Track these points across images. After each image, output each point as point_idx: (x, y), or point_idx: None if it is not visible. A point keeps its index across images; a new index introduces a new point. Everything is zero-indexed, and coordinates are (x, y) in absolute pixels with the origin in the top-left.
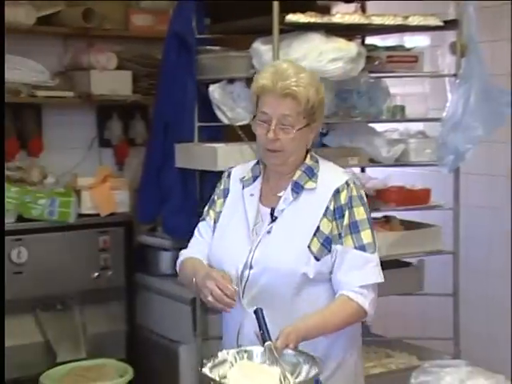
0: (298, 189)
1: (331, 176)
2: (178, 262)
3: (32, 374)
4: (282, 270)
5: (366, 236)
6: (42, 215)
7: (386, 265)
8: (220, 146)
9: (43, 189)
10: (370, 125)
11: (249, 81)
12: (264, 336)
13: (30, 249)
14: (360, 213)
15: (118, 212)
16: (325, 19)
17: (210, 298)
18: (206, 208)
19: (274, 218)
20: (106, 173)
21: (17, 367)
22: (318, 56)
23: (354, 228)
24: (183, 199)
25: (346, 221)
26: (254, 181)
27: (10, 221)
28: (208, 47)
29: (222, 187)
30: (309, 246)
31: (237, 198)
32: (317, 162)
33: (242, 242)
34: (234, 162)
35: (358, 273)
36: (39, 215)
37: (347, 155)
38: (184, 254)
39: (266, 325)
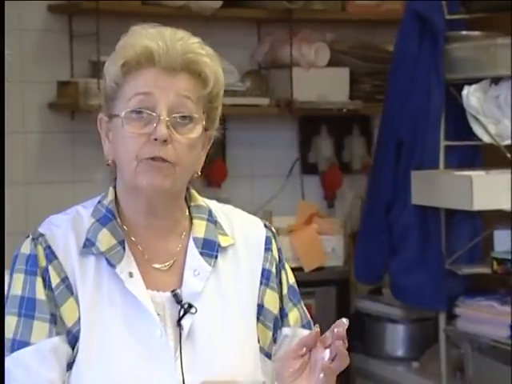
0: (212, 250)
1: (240, 221)
2: None
3: None
4: None
5: (304, 306)
6: None
7: None
8: (477, 175)
9: None
10: None
11: None
12: None
13: None
14: (290, 272)
15: (327, 266)
16: None
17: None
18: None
19: (186, 309)
20: (312, 210)
21: None
22: None
23: (294, 295)
24: (421, 250)
25: (285, 288)
26: (124, 249)
27: None
28: (463, 32)
29: (50, 280)
30: (258, 340)
31: (101, 289)
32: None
33: (150, 364)
34: (497, 198)
35: None
36: None
37: None
38: None
39: None
